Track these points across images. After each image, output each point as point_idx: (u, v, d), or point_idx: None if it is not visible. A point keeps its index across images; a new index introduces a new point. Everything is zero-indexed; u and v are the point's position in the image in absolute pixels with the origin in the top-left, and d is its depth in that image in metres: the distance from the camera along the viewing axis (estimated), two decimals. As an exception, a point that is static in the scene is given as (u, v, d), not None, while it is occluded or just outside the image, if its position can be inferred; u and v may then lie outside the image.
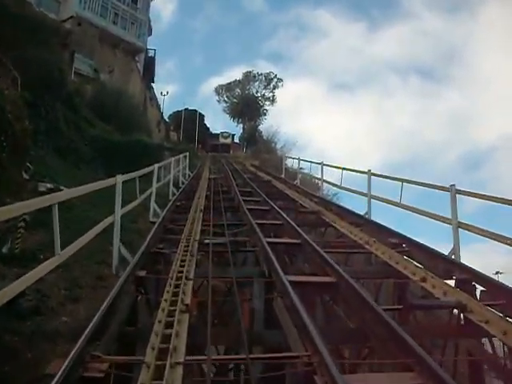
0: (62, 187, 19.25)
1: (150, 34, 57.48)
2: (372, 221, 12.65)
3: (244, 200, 13.73)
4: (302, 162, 26.22)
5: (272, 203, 12.83)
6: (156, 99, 64.79)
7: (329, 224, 11.66)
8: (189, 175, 25.43)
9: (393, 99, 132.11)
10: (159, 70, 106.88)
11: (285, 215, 10.74)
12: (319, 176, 21.72)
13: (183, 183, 21.30)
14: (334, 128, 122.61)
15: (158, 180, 17.21)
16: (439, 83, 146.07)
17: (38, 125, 22.72)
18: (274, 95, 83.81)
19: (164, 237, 9.79)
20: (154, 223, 11.70)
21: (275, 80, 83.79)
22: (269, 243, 8.14)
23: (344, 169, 15.59)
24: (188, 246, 7.83)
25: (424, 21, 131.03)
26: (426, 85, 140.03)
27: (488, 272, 7.52)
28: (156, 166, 14.41)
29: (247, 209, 11.78)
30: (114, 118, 34.18)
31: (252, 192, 16.66)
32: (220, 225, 10.18)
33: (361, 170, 15.74)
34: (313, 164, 24.08)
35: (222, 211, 12.16)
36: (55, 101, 24.42)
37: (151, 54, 58.99)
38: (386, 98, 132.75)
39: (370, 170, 15.09)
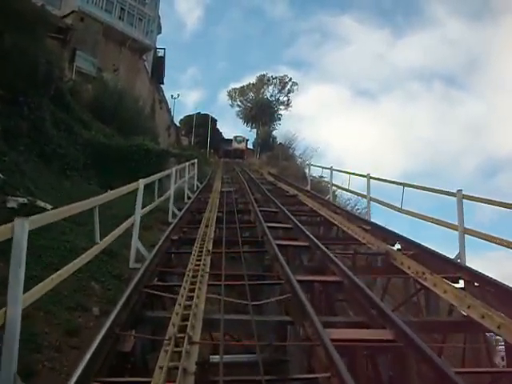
0: (40, 202, 15.65)
1: (159, 32, 54.00)
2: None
3: (270, 227, 9.87)
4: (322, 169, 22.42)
5: (313, 237, 8.88)
6: (166, 102, 61.28)
7: (421, 286, 7.33)
8: (197, 187, 21.61)
9: (415, 106, 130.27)
10: (182, 76, 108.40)
11: (342, 265, 6.67)
12: (351, 188, 17.98)
13: (189, 198, 17.49)
14: (353, 135, 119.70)
15: (143, 202, 13.57)
16: (461, 91, 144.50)
17: (19, 126, 19.11)
18: (288, 99, 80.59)
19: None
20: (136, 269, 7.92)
21: (290, 84, 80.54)
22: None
23: (405, 185, 11.71)
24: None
25: (447, 28, 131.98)
26: (448, 92, 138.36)
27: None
28: (141, 182, 10.45)
29: (277, 246, 7.87)
30: (116, 120, 30.53)
31: (278, 214, 12.78)
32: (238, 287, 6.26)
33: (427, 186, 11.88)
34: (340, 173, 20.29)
35: (239, 249, 8.26)
36: (41, 98, 20.71)
37: (161, 53, 55.45)
38: (407, 105, 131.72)
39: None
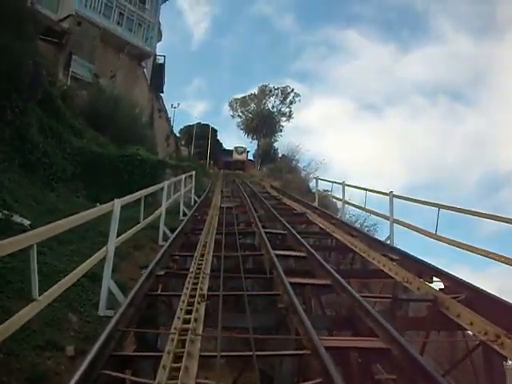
0: (16, 217, 13.97)
1: (159, 39, 52.47)
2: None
3: (279, 256, 8.13)
4: (331, 184, 20.52)
5: (334, 272, 7.06)
6: (165, 111, 59.60)
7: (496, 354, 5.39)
8: (194, 201, 19.82)
9: (419, 120, 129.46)
10: (188, 87, 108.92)
11: (384, 322, 4.86)
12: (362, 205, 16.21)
13: (185, 214, 15.72)
14: (357, 148, 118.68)
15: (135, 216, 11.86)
16: (465, 105, 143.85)
17: (0, 131, 17.43)
18: (290, 110, 78.87)
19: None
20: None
21: (292, 95, 78.78)
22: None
23: (441, 207, 9.95)
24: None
25: (453, 43, 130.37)
26: (453, 107, 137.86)
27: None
28: (117, 203, 8.46)
29: (292, 286, 6.11)
30: (111, 128, 28.86)
31: (286, 237, 11.02)
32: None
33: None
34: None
35: (242, 288, 6.48)
36: (27, 102, 19.03)
37: (161, 60, 53.85)
38: (412, 119, 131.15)
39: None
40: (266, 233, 10.57)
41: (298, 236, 10.31)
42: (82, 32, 38.91)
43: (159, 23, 50.08)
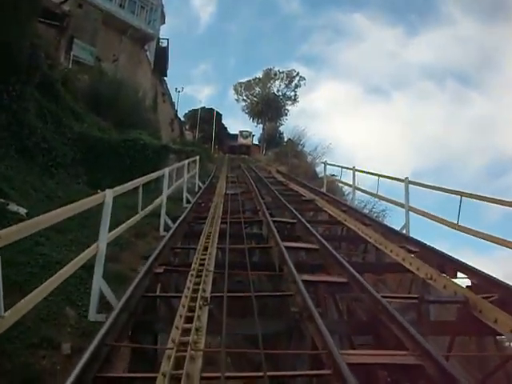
0: (12, 205, 13.39)
1: (162, 22, 51.52)
2: None
3: (289, 249, 7.49)
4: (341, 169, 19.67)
5: (349, 267, 6.39)
6: (169, 95, 58.76)
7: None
8: (199, 187, 19.18)
9: (426, 104, 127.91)
10: (195, 71, 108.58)
11: (413, 332, 4.20)
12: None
13: (189, 202, 15.08)
14: (364, 132, 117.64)
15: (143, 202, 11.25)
16: (473, 89, 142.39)
17: (-3, 116, 16.81)
18: (296, 94, 77.91)
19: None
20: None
21: (297, 78, 77.72)
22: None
23: (463, 195, 9.21)
24: None
25: (461, 26, 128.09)
26: (460, 91, 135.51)
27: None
28: (109, 193, 7.77)
29: (305, 284, 5.48)
30: (113, 112, 28.09)
31: (296, 226, 10.37)
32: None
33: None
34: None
35: (249, 289, 5.83)
36: (24, 86, 18.33)
37: (164, 44, 52.87)
38: (419, 103, 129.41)
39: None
40: (273, 222, 9.95)
41: (308, 225, 9.67)
42: (83, 15, 38.01)
43: (162, 5, 49.08)
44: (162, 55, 51.24)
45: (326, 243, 7.89)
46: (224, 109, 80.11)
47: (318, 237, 8.46)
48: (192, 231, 10.16)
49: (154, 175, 11.77)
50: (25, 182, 15.67)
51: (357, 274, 6.02)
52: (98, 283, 7.10)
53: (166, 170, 12.48)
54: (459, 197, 9.29)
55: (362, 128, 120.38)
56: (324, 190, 19.91)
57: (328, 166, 24.89)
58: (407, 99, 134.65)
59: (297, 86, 77.76)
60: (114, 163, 20.36)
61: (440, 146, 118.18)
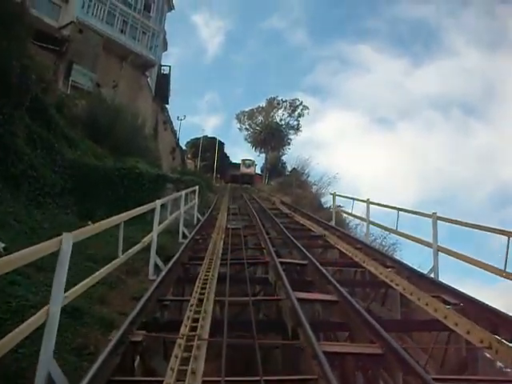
0: (-12, 242, 11.97)
1: (165, 48, 50.84)
2: None
3: (301, 301, 6.07)
4: (352, 201, 18.18)
5: (384, 333, 4.94)
6: (171, 123, 57.78)
7: None
8: (197, 220, 17.76)
9: (431, 134, 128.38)
10: (201, 101, 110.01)
11: None
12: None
13: (185, 237, 13.69)
14: (369, 162, 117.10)
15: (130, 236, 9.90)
16: (477, 120, 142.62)
17: (-18, 141, 15.56)
18: (299, 123, 77.20)
19: None
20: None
21: (300, 107, 77.07)
22: None
23: (508, 234, 7.87)
24: None
25: (465, 57, 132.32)
26: (465, 121, 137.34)
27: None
28: (66, 239, 5.65)
29: (327, 355, 4.08)
30: (111, 139, 26.89)
31: (307, 269, 8.91)
32: None
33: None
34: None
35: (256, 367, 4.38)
36: (13, 109, 17.10)
37: (166, 71, 52.09)
38: (424, 132, 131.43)
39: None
40: (281, 263, 8.53)
41: (321, 268, 8.22)
42: (83, 40, 37.31)
43: (164, 32, 48.48)
44: (163, 82, 50.44)
45: (346, 294, 6.46)
46: (229, 138, 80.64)
47: (335, 284, 7.02)
48: (186, 275, 8.74)
49: (143, 208, 10.28)
50: (7, 212, 14.34)
51: (394, 344, 4.59)
52: (46, 366, 4.83)
53: (158, 203, 10.95)
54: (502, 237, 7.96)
55: (367, 158, 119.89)
56: (333, 223, 18.46)
57: (330, 196, 23.27)
58: (412, 129, 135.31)
59: (300, 115, 77.26)
60: (107, 193, 19.04)
61: (444, 176, 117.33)
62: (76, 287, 6.19)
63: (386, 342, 4.70)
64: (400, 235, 12.56)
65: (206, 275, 7.64)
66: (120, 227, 8.17)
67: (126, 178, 19.50)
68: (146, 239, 9.72)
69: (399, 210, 12.52)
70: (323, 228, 15.37)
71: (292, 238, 12.04)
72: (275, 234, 14.02)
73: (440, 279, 9.43)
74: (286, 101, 77.18)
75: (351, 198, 17.64)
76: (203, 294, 6.39)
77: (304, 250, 9.97)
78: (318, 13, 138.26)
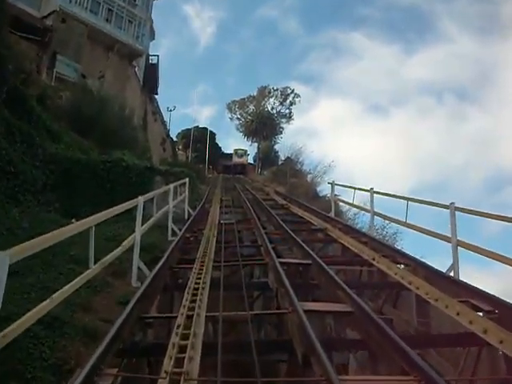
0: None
1: (152, 37, 49.47)
2: None
3: (309, 313, 5.09)
4: (354, 190, 17.07)
5: (412, 353, 3.95)
6: (160, 114, 56.55)
7: None
8: (188, 215, 16.68)
9: (425, 121, 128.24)
10: (194, 92, 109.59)
11: None
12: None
13: (175, 234, 12.67)
14: (363, 149, 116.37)
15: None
16: (471, 105, 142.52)
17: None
18: (290, 112, 75.99)
19: None
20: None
21: (292, 95, 75.85)
22: None
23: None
24: None
25: (458, 42, 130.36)
26: (458, 107, 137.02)
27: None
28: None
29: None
30: (97, 131, 25.76)
31: (311, 270, 7.88)
32: None
33: None
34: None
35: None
36: (-12, 102, 16.02)
37: (154, 61, 50.78)
38: (418, 119, 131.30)
39: None
40: (281, 264, 7.53)
41: (328, 269, 7.20)
42: (66, 29, 36.01)
43: (152, 20, 47.04)
44: (151, 72, 49.20)
45: (361, 302, 5.46)
46: (223, 129, 79.45)
47: (347, 289, 6.02)
48: (174, 282, 7.71)
49: (120, 208, 8.98)
50: (-23, 212, 13.35)
51: (434, 375, 3.60)
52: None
53: (141, 200, 9.79)
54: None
55: (361, 145, 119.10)
56: (332, 214, 17.44)
57: (329, 186, 22.05)
58: (406, 116, 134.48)
59: (292, 104, 76.07)
60: (92, 188, 17.95)
61: (439, 162, 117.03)
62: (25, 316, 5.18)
63: (427, 376, 3.68)
64: (410, 227, 11.48)
65: (196, 282, 6.64)
66: (91, 233, 7.02)
67: (111, 172, 18.40)
68: (125, 242, 8.60)
69: (408, 199, 11.50)
70: (323, 220, 14.35)
71: (291, 232, 11.04)
72: (272, 229, 13.01)
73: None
74: (277, 89, 75.97)
75: (352, 188, 16.54)
76: (193, 308, 5.39)
77: (305, 247, 8.95)
78: (311, 0, 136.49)
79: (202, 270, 7.30)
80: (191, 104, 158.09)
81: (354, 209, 23.65)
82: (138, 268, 8.78)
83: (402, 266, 8.61)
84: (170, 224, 13.40)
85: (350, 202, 19.17)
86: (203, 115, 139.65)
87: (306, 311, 5.15)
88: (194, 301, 5.67)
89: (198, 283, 6.53)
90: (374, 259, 8.45)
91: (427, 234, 10.74)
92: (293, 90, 75.86)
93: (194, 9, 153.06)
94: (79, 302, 9.94)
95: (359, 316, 5.32)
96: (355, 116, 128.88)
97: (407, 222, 11.55)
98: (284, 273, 6.82)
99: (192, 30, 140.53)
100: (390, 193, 13.49)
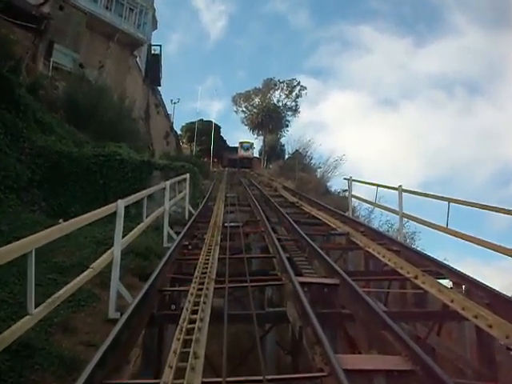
0: None
1: (155, 27, 47.69)
2: None
3: (352, 373, 3.40)
4: (376, 187, 15.18)
5: None
6: (164, 106, 54.78)
7: None
8: (189, 215, 14.95)
9: (434, 114, 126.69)
10: (203, 86, 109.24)
11: None
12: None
13: (171, 239, 10.96)
14: (372, 143, 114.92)
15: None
16: (481, 99, 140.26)
17: None
18: (297, 105, 74.15)
19: None
20: None
21: (298, 88, 73.94)
22: None
23: None
24: None
25: (467, 35, 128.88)
26: (469, 100, 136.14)
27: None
28: None
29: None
30: (93, 123, 24.15)
31: (339, 292, 6.13)
32: None
33: None
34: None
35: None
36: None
37: (157, 51, 49.00)
38: (428, 113, 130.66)
39: None
40: (302, 284, 5.86)
41: (364, 295, 5.49)
42: (64, 17, 34.24)
43: (154, 9, 45.22)
44: (154, 63, 47.44)
45: (427, 359, 3.77)
46: (231, 123, 77.63)
47: (400, 334, 4.32)
48: (164, 313, 5.96)
49: (90, 216, 6.75)
50: (-46, 211, 11.78)
51: None
52: None
53: (121, 205, 7.75)
54: None
55: (370, 139, 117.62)
56: (349, 213, 15.69)
57: (343, 182, 20.30)
58: (416, 109, 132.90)
59: (298, 96, 74.15)
60: (83, 184, 16.31)
61: (448, 156, 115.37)
62: None
63: None
64: (455, 235, 9.60)
65: (193, 312, 5.00)
66: (29, 261, 5.01)
67: (104, 166, 16.70)
68: (95, 265, 6.61)
69: (450, 200, 9.71)
70: (340, 221, 12.60)
71: (307, 238, 9.32)
72: (284, 232, 11.32)
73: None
74: (283, 82, 74.05)
75: (375, 185, 14.65)
76: (185, 360, 3.75)
77: (329, 261, 7.23)
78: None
79: (201, 293, 5.63)
80: (200, 98, 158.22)
81: (367, 205, 21.98)
82: (118, 292, 6.94)
83: (450, 283, 6.92)
84: (166, 228, 11.64)
85: (367, 198, 17.53)
86: (213, 109, 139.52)
87: (347, 370, 3.49)
88: (186, 346, 4.04)
89: (195, 315, 4.89)
90: (416, 277, 6.72)
91: (475, 242, 8.92)
92: (299, 82, 74.10)
93: (204, 2, 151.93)
94: (58, 320, 8.41)
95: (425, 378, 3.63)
96: (364, 110, 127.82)
97: (449, 227, 9.71)
98: (308, 304, 5.11)
99: (202, 24, 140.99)
100: (422, 191, 11.68)
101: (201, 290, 5.80)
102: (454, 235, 9.56)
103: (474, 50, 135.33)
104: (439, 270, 7.30)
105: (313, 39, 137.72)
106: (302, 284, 5.99)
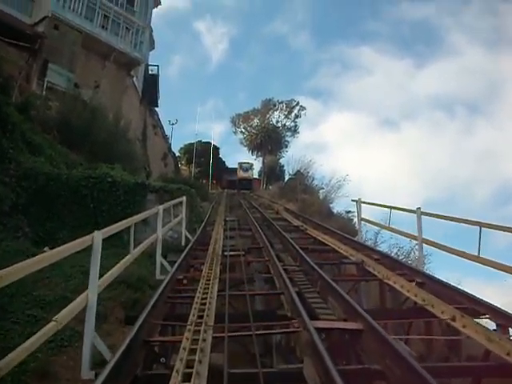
0: None
1: (152, 47, 47.04)
2: None
3: None
4: (389, 210, 14.00)
5: None
6: (162, 127, 53.93)
7: None
8: (185, 241, 13.84)
9: (435, 134, 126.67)
10: (205, 108, 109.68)
11: None
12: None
13: (165, 271, 9.83)
14: (373, 164, 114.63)
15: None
16: (482, 119, 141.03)
17: None
18: (296, 125, 73.81)
19: None
20: None
21: (297, 108, 73.50)
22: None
23: None
24: None
25: (467, 56, 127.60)
26: (469, 120, 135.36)
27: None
28: None
29: None
30: (87, 143, 23.18)
31: (362, 339, 4.99)
32: None
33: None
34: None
35: None
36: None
37: (154, 71, 48.24)
38: (428, 133, 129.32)
39: None
40: (318, 330, 4.76)
41: (397, 347, 4.38)
42: (59, 37, 33.58)
43: (151, 29, 44.56)
44: (151, 83, 46.64)
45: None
46: (231, 144, 77.15)
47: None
48: (148, 375, 4.77)
49: (62, 250, 5.57)
50: None
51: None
52: None
53: (97, 237, 6.43)
54: None
55: (371, 159, 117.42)
56: (359, 238, 14.59)
57: (348, 203, 19.22)
58: (417, 129, 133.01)
59: (297, 116, 73.71)
60: (72, 208, 15.19)
61: (449, 176, 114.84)
62: None
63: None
64: (489, 265, 8.48)
65: (185, 377, 3.88)
66: None
67: (95, 189, 15.57)
68: (60, 316, 5.30)
69: (481, 224, 8.59)
70: (351, 247, 11.47)
71: (319, 270, 8.20)
72: (290, 261, 10.20)
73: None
74: (282, 102, 73.65)
75: (388, 207, 13.48)
76: None
77: (348, 299, 6.11)
78: (320, 16, 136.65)
79: (197, 345, 4.53)
80: (202, 120, 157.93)
81: (373, 226, 20.83)
82: (93, 348, 5.70)
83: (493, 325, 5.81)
84: (159, 258, 10.49)
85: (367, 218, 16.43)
86: (214, 131, 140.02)
87: None
88: None
89: (189, 380, 3.78)
90: (454, 319, 5.59)
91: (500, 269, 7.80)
92: (298, 103, 73.72)
93: (205, 25, 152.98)
94: (34, 366, 7.26)
95: None
96: (365, 130, 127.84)
97: (480, 256, 8.59)
98: (328, 357, 4.00)
99: (203, 46, 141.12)
100: (447, 215, 10.50)
101: (196, 341, 4.69)
102: (487, 264, 8.45)
103: (474, 69, 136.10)
104: (476, 307, 6.18)
105: (313, 61, 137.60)
106: (319, 329, 4.89)
